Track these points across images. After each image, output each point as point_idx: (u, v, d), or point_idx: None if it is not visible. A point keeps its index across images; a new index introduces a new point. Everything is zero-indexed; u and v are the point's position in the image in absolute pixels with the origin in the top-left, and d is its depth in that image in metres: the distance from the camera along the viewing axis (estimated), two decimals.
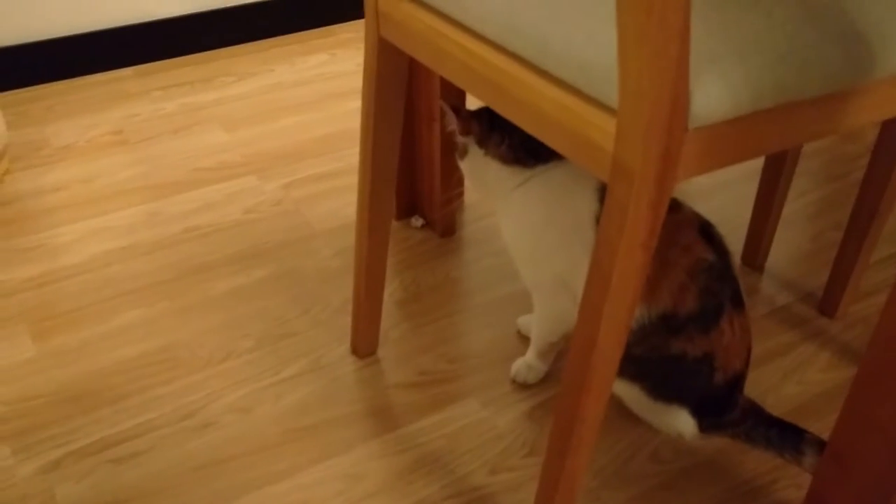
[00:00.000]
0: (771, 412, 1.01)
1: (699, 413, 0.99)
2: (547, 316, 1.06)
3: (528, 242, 0.99)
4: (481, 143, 0.96)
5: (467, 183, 1.02)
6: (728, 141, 0.66)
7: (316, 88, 1.91)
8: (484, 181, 0.99)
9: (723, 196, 1.52)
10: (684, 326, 0.92)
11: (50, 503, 0.95)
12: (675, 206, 0.94)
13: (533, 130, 0.72)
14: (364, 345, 1.16)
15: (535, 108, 0.70)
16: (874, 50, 0.68)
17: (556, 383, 1.12)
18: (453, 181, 1.35)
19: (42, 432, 1.04)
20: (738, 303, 0.94)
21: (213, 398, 1.10)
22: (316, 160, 1.63)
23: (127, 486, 0.98)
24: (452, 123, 0.99)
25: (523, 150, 0.95)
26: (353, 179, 1.57)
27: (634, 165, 0.62)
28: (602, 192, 0.92)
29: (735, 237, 1.35)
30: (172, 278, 1.31)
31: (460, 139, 0.98)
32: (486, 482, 0.99)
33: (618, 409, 1.06)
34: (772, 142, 0.69)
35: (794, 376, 1.14)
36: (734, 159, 0.68)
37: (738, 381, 0.97)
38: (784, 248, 1.39)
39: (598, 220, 0.91)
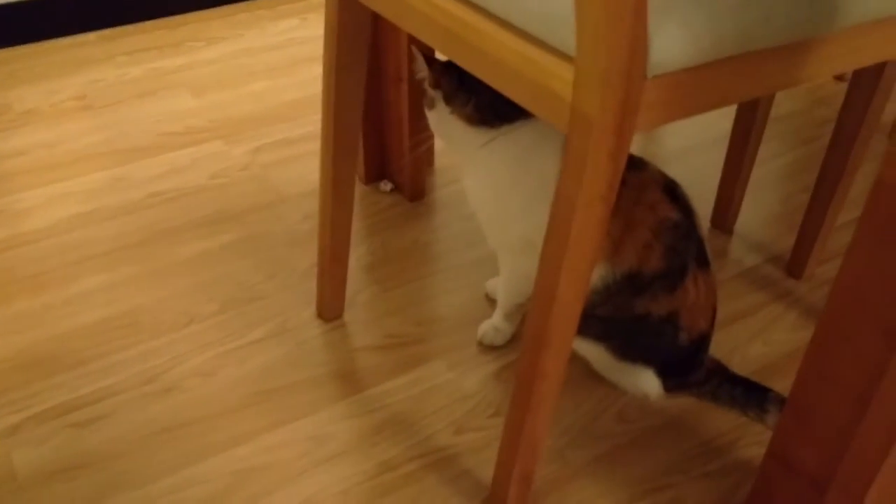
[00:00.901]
0: (737, 372, 1.02)
1: (664, 373, 0.99)
2: (512, 277, 1.06)
3: (493, 203, 0.98)
4: (448, 99, 0.94)
5: (434, 133, 0.99)
6: (689, 90, 0.65)
7: (286, 53, 1.88)
8: (449, 136, 0.97)
9: (693, 160, 1.51)
10: (649, 285, 0.92)
11: (7, 467, 0.94)
12: (641, 165, 0.93)
13: (495, 83, 0.71)
14: (330, 308, 1.15)
15: (496, 59, 0.69)
16: None
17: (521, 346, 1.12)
18: (420, 138, 1.33)
19: (1, 397, 1.03)
20: (703, 262, 0.94)
21: (176, 362, 1.08)
22: (285, 125, 1.61)
23: (88, 450, 0.97)
24: (423, 71, 0.97)
25: (489, 110, 0.92)
26: (320, 145, 1.54)
27: (592, 114, 0.61)
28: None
29: (705, 200, 1.34)
30: (136, 243, 1.29)
31: (430, 91, 0.96)
32: (451, 442, 0.98)
33: (583, 369, 1.06)
34: (734, 91, 0.68)
35: (760, 336, 1.15)
36: (696, 109, 0.67)
37: (703, 340, 0.98)
38: (753, 211, 1.39)
39: None
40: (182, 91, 1.72)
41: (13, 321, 1.14)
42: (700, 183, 1.40)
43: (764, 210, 1.40)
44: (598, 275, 0.91)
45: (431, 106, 0.96)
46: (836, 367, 0.72)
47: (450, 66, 0.95)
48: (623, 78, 0.59)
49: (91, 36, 1.93)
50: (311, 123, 1.61)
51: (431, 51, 1.26)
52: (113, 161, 1.49)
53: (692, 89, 0.65)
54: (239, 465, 0.95)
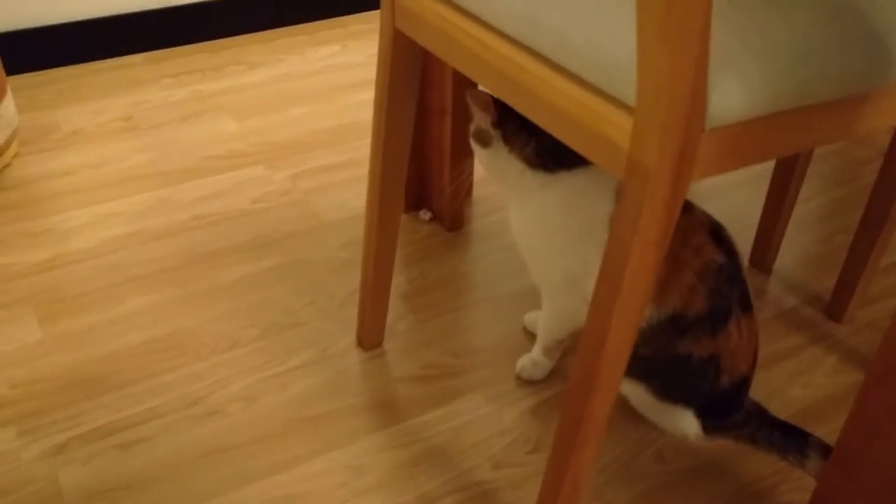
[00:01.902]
0: (777, 415, 1.01)
1: (704, 414, 0.99)
2: (555, 313, 1.06)
3: (541, 241, 0.99)
4: (507, 139, 0.95)
5: (483, 171, 1.00)
6: (744, 142, 0.66)
7: (326, 79, 1.91)
8: (502, 175, 0.97)
9: (733, 197, 1.51)
10: (692, 327, 0.92)
11: (53, 486, 0.96)
12: (687, 207, 0.94)
13: (547, 125, 0.72)
14: (370, 337, 1.16)
15: (550, 103, 0.70)
16: (894, 52, 0.67)
17: (561, 380, 1.12)
18: (461, 170, 1.34)
19: (47, 416, 1.05)
20: (746, 306, 0.94)
21: (218, 386, 1.10)
22: (325, 151, 1.63)
23: (131, 471, 0.98)
24: (489, 111, 0.96)
25: (549, 155, 0.93)
26: (361, 171, 1.56)
27: (650, 164, 0.62)
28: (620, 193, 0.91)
29: (744, 238, 1.35)
30: (180, 265, 1.32)
31: (491, 130, 0.96)
32: (489, 477, 0.99)
33: (622, 407, 1.06)
34: (788, 144, 0.69)
35: (799, 379, 1.14)
36: (750, 160, 0.67)
37: (743, 383, 0.97)
38: (792, 251, 1.38)
39: (612, 221, 0.91)
40: (224, 115, 1.75)
41: (59, 340, 1.17)
42: (739, 221, 1.40)
43: (802, 250, 1.40)
44: (643, 315, 0.91)
45: (487, 144, 0.97)
46: (886, 418, 0.72)
47: (512, 108, 0.96)
48: (682, 130, 0.60)
49: (138, 57, 1.97)
50: (352, 150, 1.63)
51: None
52: (157, 183, 1.52)
53: (748, 141, 0.66)
54: (279, 492, 0.96)
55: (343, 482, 0.98)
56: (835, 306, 1.24)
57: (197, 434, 1.03)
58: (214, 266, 1.32)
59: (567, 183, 0.94)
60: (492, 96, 0.97)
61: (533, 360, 1.12)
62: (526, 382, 1.12)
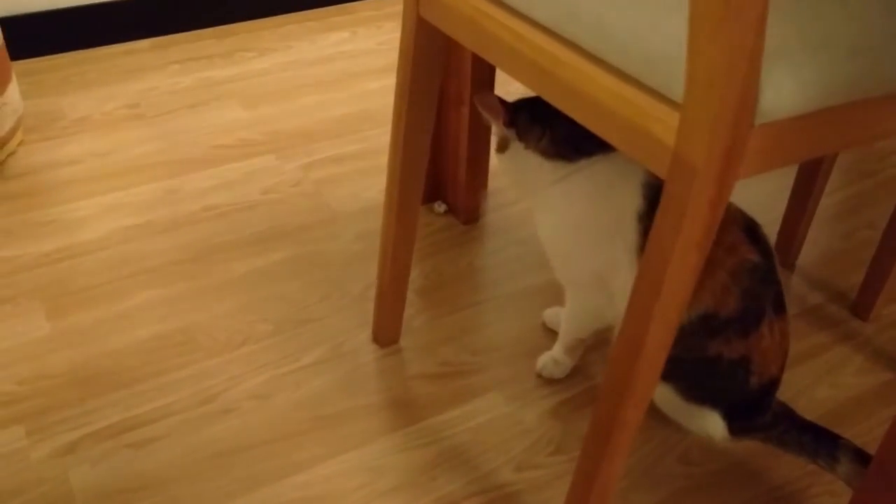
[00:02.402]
0: (804, 416, 0.99)
1: (730, 416, 0.96)
2: (579, 312, 1.03)
3: (565, 238, 0.96)
4: (521, 135, 0.93)
5: (503, 179, 0.98)
6: (794, 138, 0.62)
7: (336, 67, 1.87)
8: (523, 176, 0.96)
9: (755, 190, 1.48)
10: (723, 328, 0.89)
11: (64, 487, 0.93)
12: None
13: (585, 121, 0.69)
14: (386, 333, 1.13)
15: (589, 97, 0.67)
16: None
17: (582, 379, 1.09)
18: (478, 153, 1.32)
19: (57, 414, 1.02)
20: (779, 307, 0.91)
21: (232, 383, 1.07)
22: (336, 141, 1.60)
23: (144, 471, 0.96)
24: (496, 114, 0.95)
25: (565, 143, 0.91)
26: (374, 161, 1.53)
27: (697, 161, 0.59)
28: (647, 188, 0.88)
29: (768, 233, 1.31)
30: (190, 258, 1.29)
31: (504, 131, 0.95)
32: (511, 479, 0.96)
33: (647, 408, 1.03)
34: (838, 140, 0.66)
35: (826, 379, 1.11)
36: (799, 157, 0.64)
37: (772, 385, 0.95)
38: (815, 246, 1.35)
39: (640, 218, 0.88)
40: (233, 102, 1.72)
41: (67, 335, 1.14)
42: (763, 214, 1.36)
43: (826, 245, 1.37)
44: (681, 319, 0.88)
45: (504, 148, 0.95)
46: None
47: (521, 104, 0.94)
48: (731, 127, 0.57)
49: (144, 43, 1.93)
50: (363, 140, 1.60)
51: (487, 84, 1.24)
52: (165, 172, 1.49)
53: (797, 137, 0.63)
54: (296, 493, 0.94)
55: (362, 484, 0.95)
56: (861, 303, 1.21)
57: (210, 433, 1.00)
58: (225, 259, 1.29)
59: (588, 173, 0.91)
60: (498, 98, 0.95)
61: (554, 358, 1.09)
62: (546, 381, 1.09)
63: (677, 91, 0.59)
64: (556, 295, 1.22)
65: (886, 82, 0.63)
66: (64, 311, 1.18)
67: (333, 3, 2.15)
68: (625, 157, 0.87)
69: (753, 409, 0.96)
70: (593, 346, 1.14)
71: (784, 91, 0.59)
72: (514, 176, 0.98)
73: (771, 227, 1.31)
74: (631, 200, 0.88)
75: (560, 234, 0.96)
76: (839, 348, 1.16)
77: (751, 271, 0.88)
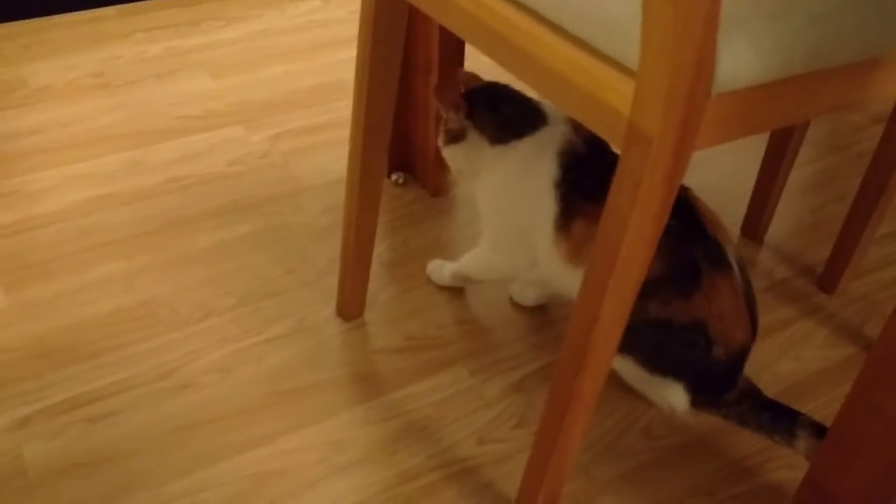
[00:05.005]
0: (767, 389, 0.99)
1: (697, 389, 0.96)
2: (481, 265, 1.11)
3: (497, 197, 1.05)
4: (479, 125, 1.02)
5: (454, 166, 1.10)
6: (752, 108, 0.61)
7: (306, 36, 1.83)
8: (474, 162, 1.04)
9: (724, 163, 1.47)
10: (655, 289, 0.89)
11: (17, 462, 0.92)
12: None
13: (541, 90, 0.67)
14: (350, 307, 1.12)
15: (545, 65, 0.65)
16: None
17: (545, 353, 1.09)
18: None
19: (11, 388, 1.00)
20: (719, 264, 0.90)
21: (192, 357, 1.06)
22: (305, 111, 1.57)
23: (101, 446, 0.94)
24: (457, 107, 1.02)
25: (506, 128, 1.01)
26: (343, 133, 1.51)
27: (652, 131, 0.57)
28: (561, 156, 0.97)
29: (736, 208, 1.31)
30: (153, 230, 1.26)
31: (463, 122, 1.03)
32: (473, 453, 0.96)
33: (610, 382, 1.02)
34: (797, 111, 0.65)
35: (791, 353, 1.11)
36: (757, 129, 0.63)
37: (742, 354, 0.94)
38: (784, 221, 1.35)
39: (556, 185, 0.96)
40: (200, 72, 1.68)
41: (25, 308, 1.11)
42: (731, 189, 1.37)
43: (794, 220, 1.37)
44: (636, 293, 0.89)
45: (460, 138, 1.03)
46: (885, 403, 0.69)
47: (475, 93, 1.03)
48: (687, 96, 0.56)
49: (109, 10, 1.88)
50: (333, 111, 1.57)
51: (457, 53, 1.23)
52: (129, 143, 1.46)
53: (756, 108, 0.62)
54: (256, 468, 0.93)
55: (322, 458, 0.94)
56: (827, 278, 1.21)
57: (169, 407, 0.99)
58: (188, 232, 1.26)
59: (518, 151, 1.01)
60: (461, 92, 1.03)
61: (445, 268, 1.17)
62: (510, 355, 1.08)
63: (633, 59, 0.58)
64: None
65: (847, 51, 0.62)
66: (21, 285, 1.15)
67: None
68: (547, 132, 0.99)
69: (722, 382, 0.96)
70: (558, 319, 1.13)
71: (742, 60, 0.58)
72: (465, 163, 1.06)
73: (740, 201, 1.31)
74: (548, 169, 0.96)
75: (496, 199, 1.05)
76: (804, 322, 1.16)
77: (667, 232, 0.89)
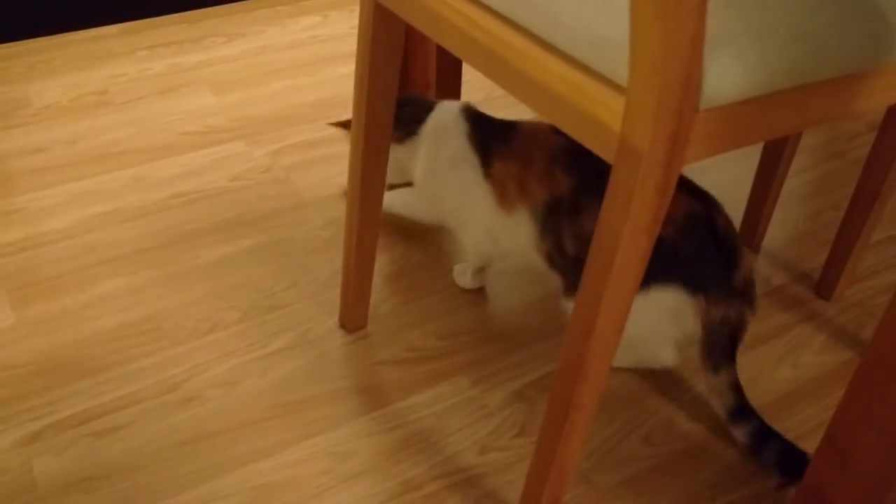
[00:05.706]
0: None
1: (697, 284, 0.93)
2: (467, 245, 1.17)
3: (430, 183, 1.16)
4: (403, 127, 1.17)
5: (397, 174, 1.21)
6: (739, 122, 0.63)
7: (307, 52, 1.86)
8: (404, 165, 1.18)
9: (720, 173, 1.49)
10: (578, 204, 0.96)
11: (27, 477, 0.93)
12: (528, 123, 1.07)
13: (536, 107, 0.69)
14: (353, 319, 1.13)
15: (539, 83, 0.67)
16: (894, 30, 0.65)
17: (546, 362, 1.10)
18: None
19: (20, 403, 1.02)
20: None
21: (197, 371, 1.07)
22: (306, 126, 1.59)
23: (108, 460, 0.96)
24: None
25: (409, 124, 1.16)
26: (344, 147, 1.53)
27: (642, 147, 0.59)
28: (465, 111, 1.12)
29: (733, 215, 1.31)
30: (157, 246, 1.28)
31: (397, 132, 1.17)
32: (475, 462, 0.97)
33: (610, 389, 1.05)
34: (784, 124, 0.66)
35: (788, 359, 1.13)
36: (745, 142, 0.65)
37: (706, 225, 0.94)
38: (781, 228, 1.37)
39: (470, 138, 1.09)
40: (202, 89, 1.70)
41: (32, 324, 1.13)
42: (728, 197, 1.38)
43: (791, 227, 1.38)
44: (528, 220, 1.01)
45: (401, 141, 1.17)
46: (879, 407, 0.71)
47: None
48: (675, 112, 0.58)
49: (113, 29, 1.91)
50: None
51: (454, 69, 1.25)
52: (133, 160, 1.48)
53: (743, 122, 0.63)
54: (260, 480, 0.94)
55: (326, 469, 0.96)
56: (824, 284, 1.23)
57: (175, 421, 1.00)
58: (192, 246, 1.28)
59: (428, 128, 1.15)
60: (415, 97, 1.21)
61: (463, 270, 1.22)
62: (512, 365, 1.10)
63: (623, 76, 0.60)
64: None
65: (832, 66, 0.64)
66: (29, 301, 1.17)
67: None
68: (443, 107, 1.16)
69: (714, 262, 0.95)
70: (558, 328, 1.15)
71: (728, 76, 0.59)
72: (405, 165, 1.19)
73: (736, 209, 1.32)
74: (460, 126, 1.10)
75: (427, 185, 1.17)
76: (802, 328, 1.18)
77: (564, 152, 0.98)
